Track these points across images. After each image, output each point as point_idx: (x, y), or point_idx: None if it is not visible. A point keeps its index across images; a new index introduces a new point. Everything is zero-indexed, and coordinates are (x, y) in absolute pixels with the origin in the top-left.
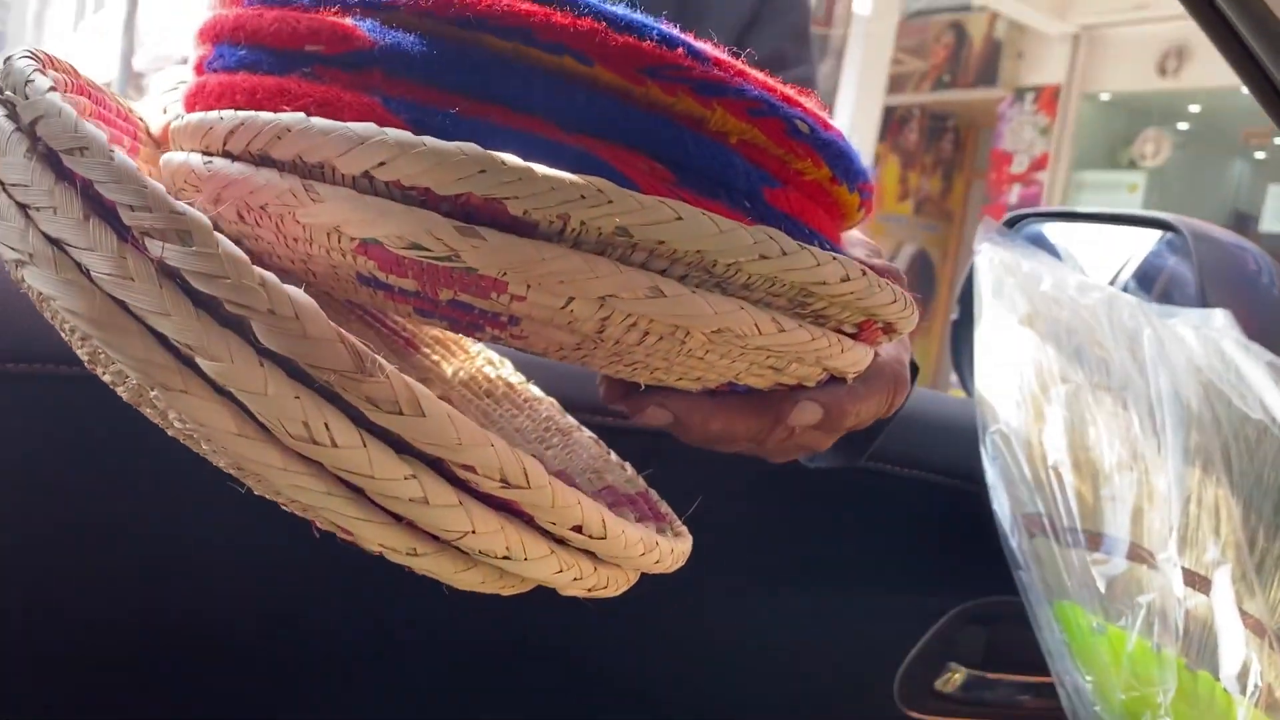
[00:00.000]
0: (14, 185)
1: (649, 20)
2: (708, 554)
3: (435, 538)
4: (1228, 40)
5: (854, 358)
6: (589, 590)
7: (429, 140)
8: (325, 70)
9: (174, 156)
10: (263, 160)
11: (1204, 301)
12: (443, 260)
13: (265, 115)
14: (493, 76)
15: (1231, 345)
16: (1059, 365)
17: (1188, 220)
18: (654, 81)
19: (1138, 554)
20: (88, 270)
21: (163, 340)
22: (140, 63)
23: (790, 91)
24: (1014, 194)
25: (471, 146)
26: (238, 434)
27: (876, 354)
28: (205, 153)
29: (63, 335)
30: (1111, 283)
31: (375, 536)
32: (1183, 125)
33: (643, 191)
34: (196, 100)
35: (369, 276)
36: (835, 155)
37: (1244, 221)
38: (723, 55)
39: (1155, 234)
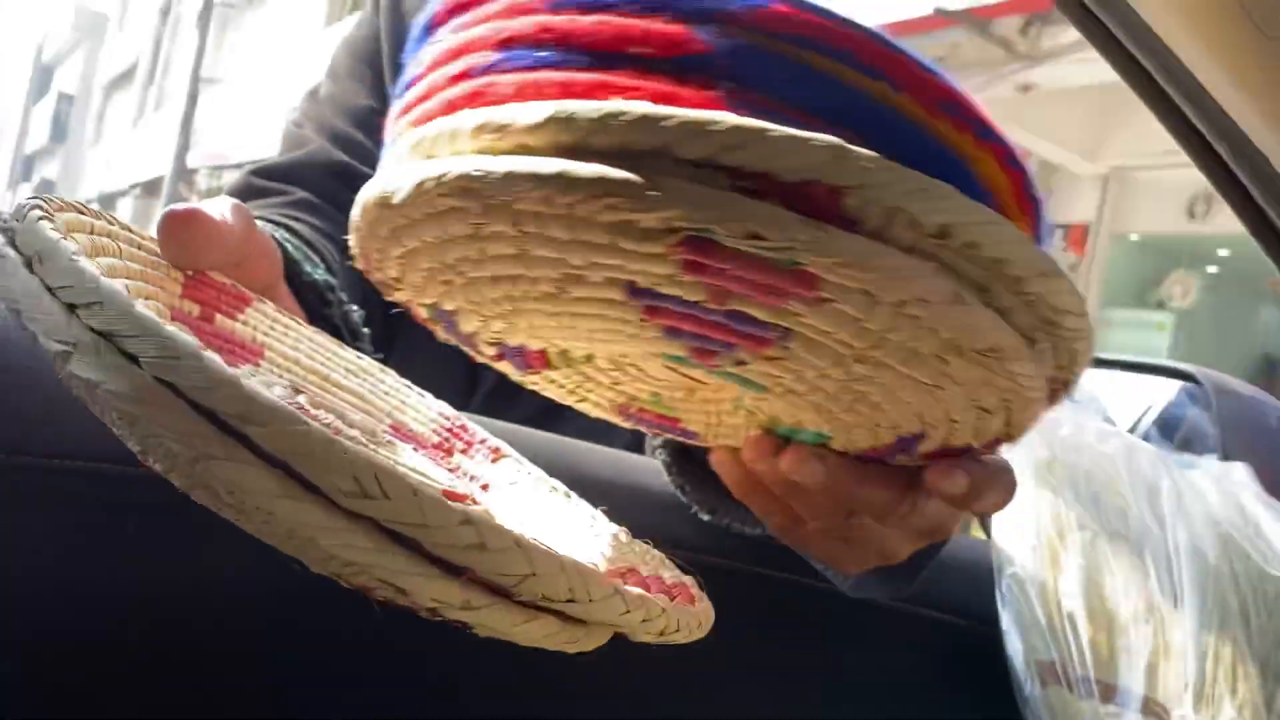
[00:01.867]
0: (60, 288)
1: (932, 64)
2: (701, 686)
3: (492, 589)
4: (1235, 193)
5: (1034, 414)
6: (660, 634)
7: (782, 127)
8: (653, 72)
9: (441, 164)
10: (581, 152)
11: (1225, 454)
12: (777, 251)
13: (584, 105)
14: (818, 92)
15: (1251, 500)
16: (1076, 512)
17: (1209, 373)
18: (948, 117)
19: (1152, 709)
20: (135, 356)
21: (207, 415)
22: (194, 160)
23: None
24: None
25: (826, 136)
26: (283, 495)
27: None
28: (491, 152)
29: (113, 427)
30: (1133, 429)
31: (429, 591)
32: (1211, 269)
33: None
34: (464, 105)
35: (648, 287)
36: (1040, 219)
37: (1273, 366)
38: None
39: (1177, 383)
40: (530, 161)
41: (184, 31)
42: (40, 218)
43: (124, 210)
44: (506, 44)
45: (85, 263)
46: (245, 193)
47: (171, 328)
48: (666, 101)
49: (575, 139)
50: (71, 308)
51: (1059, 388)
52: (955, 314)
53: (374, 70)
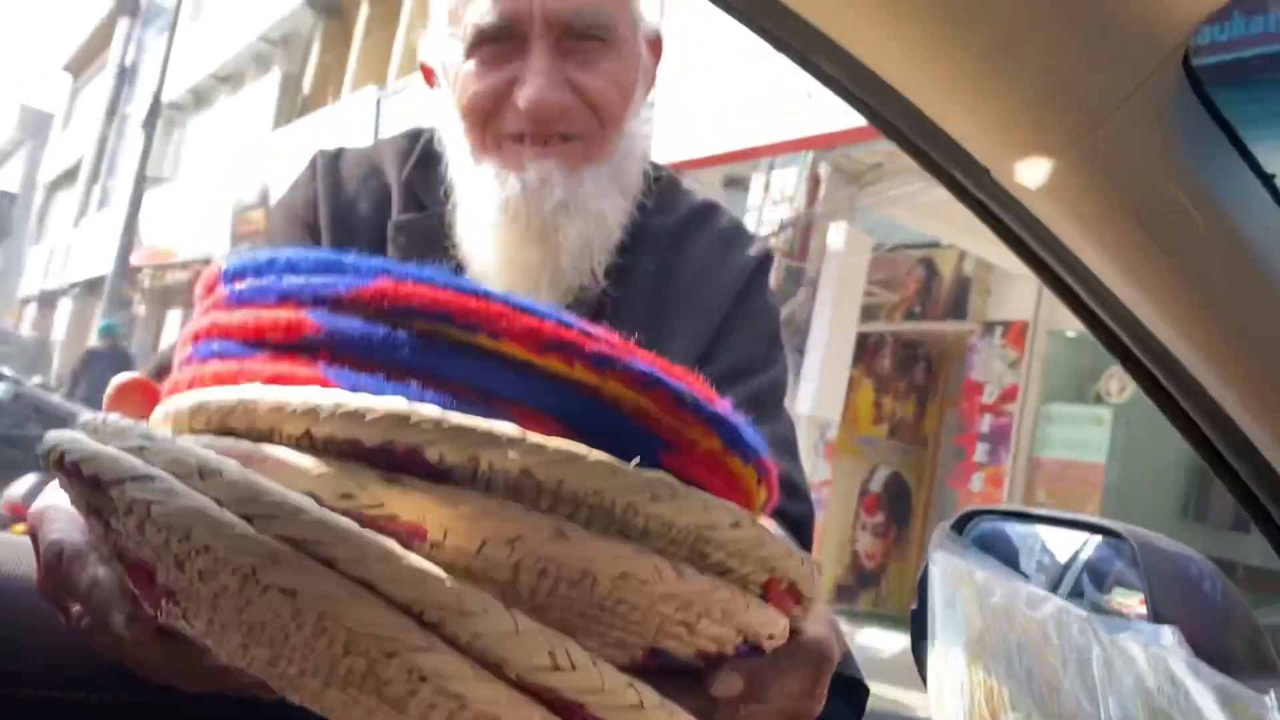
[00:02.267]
0: (241, 500)
1: (550, 308)
2: None
3: None
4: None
5: (764, 617)
6: None
7: (355, 397)
8: (281, 355)
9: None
10: (225, 431)
11: (1154, 613)
12: (371, 508)
13: (221, 391)
14: (417, 351)
15: (1180, 666)
16: (1009, 690)
17: (1135, 530)
18: (554, 354)
19: None
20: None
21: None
22: (137, 259)
23: (681, 370)
24: (985, 423)
25: (392, 399)
26: (476, 679)
27: (798, 631)
28: (191, 430)
29: (291, 638)
30: (1060, 579)
31: None
32: None
33: None
34: (176, 389)
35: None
36: (723, 427)
37: None
38: (617, 338)
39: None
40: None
41: (130, 131)
42: (168, 434)
43: (64, 309)
44: (193, 338)
45: (253, 474)
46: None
47: (358, 528)
48: (281, 381)
49: (213, 425)
50: (250, 519)
51: (785, 597)
52: (565, 548)
53: (311, 233)
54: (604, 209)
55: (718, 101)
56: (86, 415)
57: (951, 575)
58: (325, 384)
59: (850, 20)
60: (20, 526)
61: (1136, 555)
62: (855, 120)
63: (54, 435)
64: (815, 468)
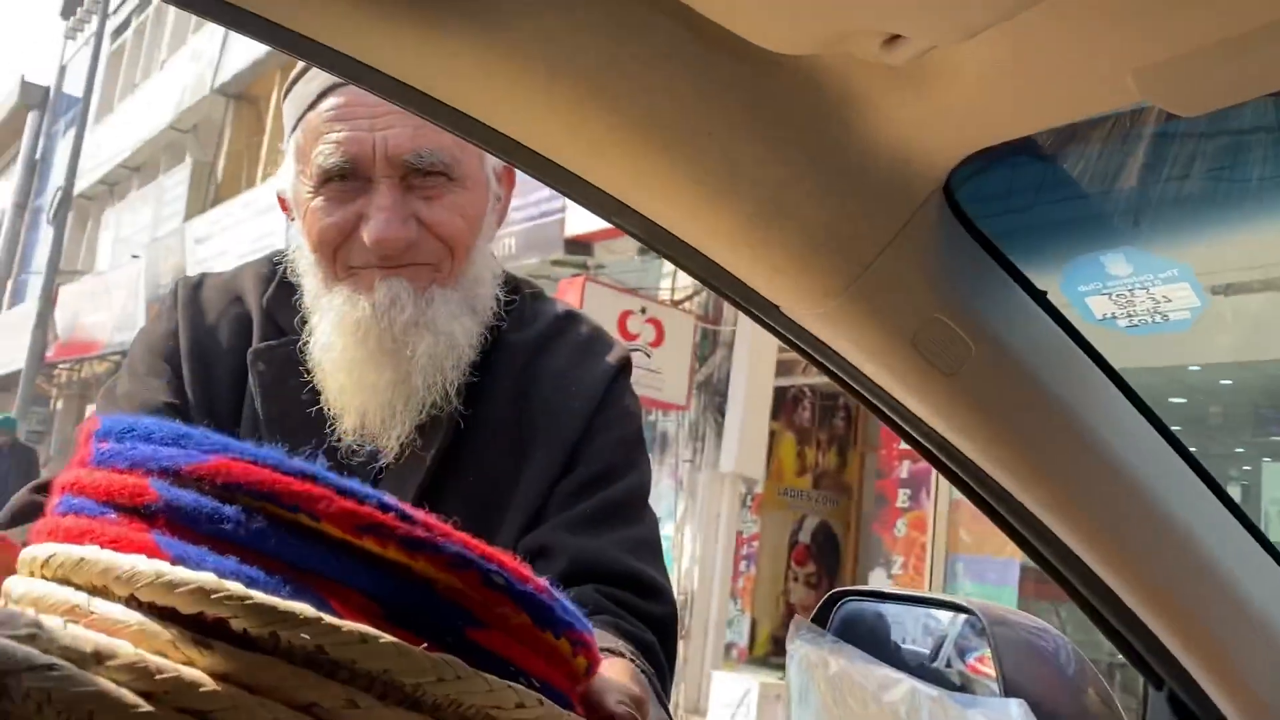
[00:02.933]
0: None
1: (372, 491)
2: None
3: None
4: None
5: None
6: None
7: (173, 569)
8: (126, 517)
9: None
10: (68, 583)
11: (1006, 687)
12: (185, 665)
13: (69, 547)
14: (241, 527)
15: None
16: None
17: (984, 605)
18: (369, 536)
19: None
20: None
21: None
22: (53, 353)
23: (494, 551)
24: (904, 469)
25: (203, 575)
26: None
27: None
28: (43, 578)
29: None
30: (934, 658)
31: None
32: None
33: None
34: (45, 535)
35: None
36: (532, 604)
37: None
38: (433, 520)
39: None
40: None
41: (42, 224)
42: (57, 621)
43: None
44: (60, 490)
45: (144, 653)
46: (28, 510)
47: (248, 697)
48: (119, 544)
49: (59, 576)
50: (148, 695)
51: None
52: (356, 716)
53: (172, 366)
54: (454, 329)
55: None
56: None
57: (807, 666)
58: (155, 551)
59: (634, 185)
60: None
61: (986, 629)
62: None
63: None
64: (744, 522)
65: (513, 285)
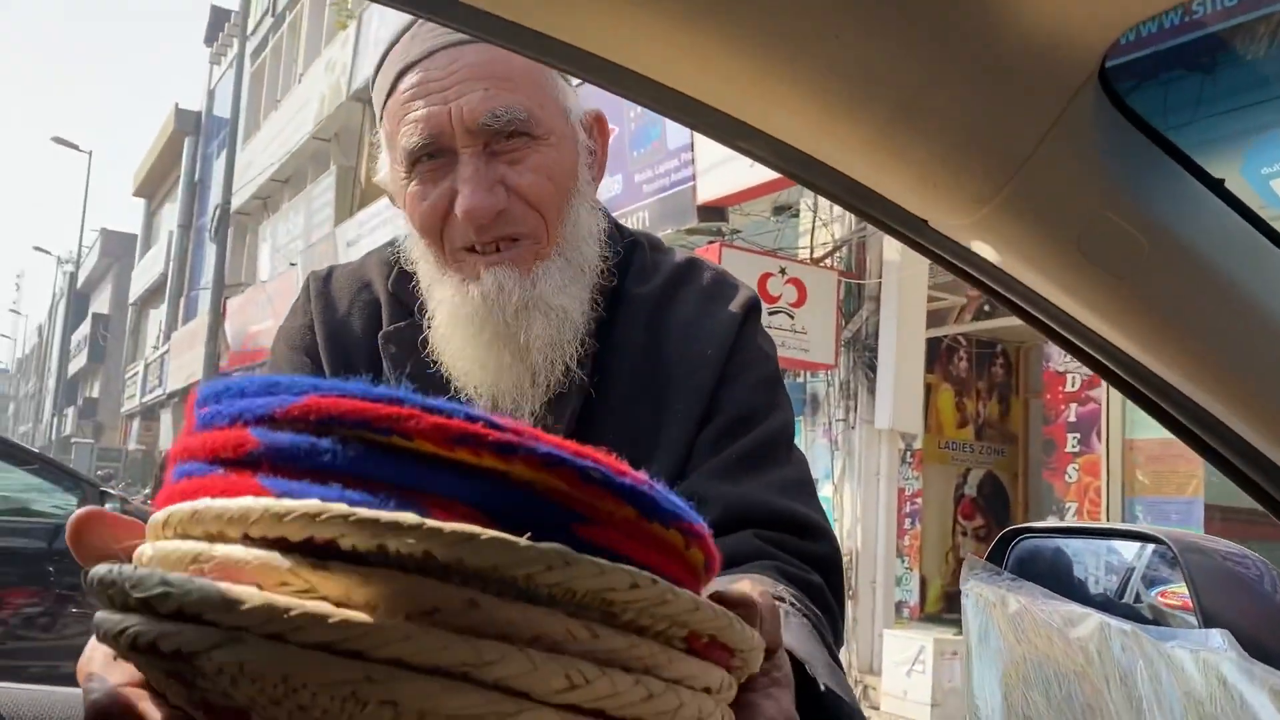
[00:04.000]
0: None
1: (458, 405)
2: None
3: None
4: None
5: (691, 669)
6: None
7: (280, 502)
8: (231, 469)
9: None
10: (185, 538)
11: (1203, 617)
12: (305, 592)
13: (182, 505)
14: (338, 456)
15: (1233, 670)
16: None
17: (1175, 533)
18: (462, 447)
19: None
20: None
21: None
22: (226, 362)
23: (588, 449)
24: (1072, 412)
25: (311, 502)
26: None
27: (760, 707)
28: (165, 538)
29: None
30: (1121, 593)
31: None
32: None
33: None
34: (162, 504)
35: None
36: (635, 496)
37: None
38: (522, 426)
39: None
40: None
41: (206, 242)
42: (183, 574)
43: (165, 420)
44: (172, 460)
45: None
46: None
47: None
48: (228, 492)
49: (177, 534)
50: (328, 647)
51: (719, 651)
52: (479, 616)
53: (311, 358)
54: (564, 303)
55: None
56: (98, 572)
57: (984, 605)
58: (261, 492)
59: (758, 103)
60: None
61: (1179, 559)
62: None
63: (107, 618)
64: (905, 479)
65: (628, 239)
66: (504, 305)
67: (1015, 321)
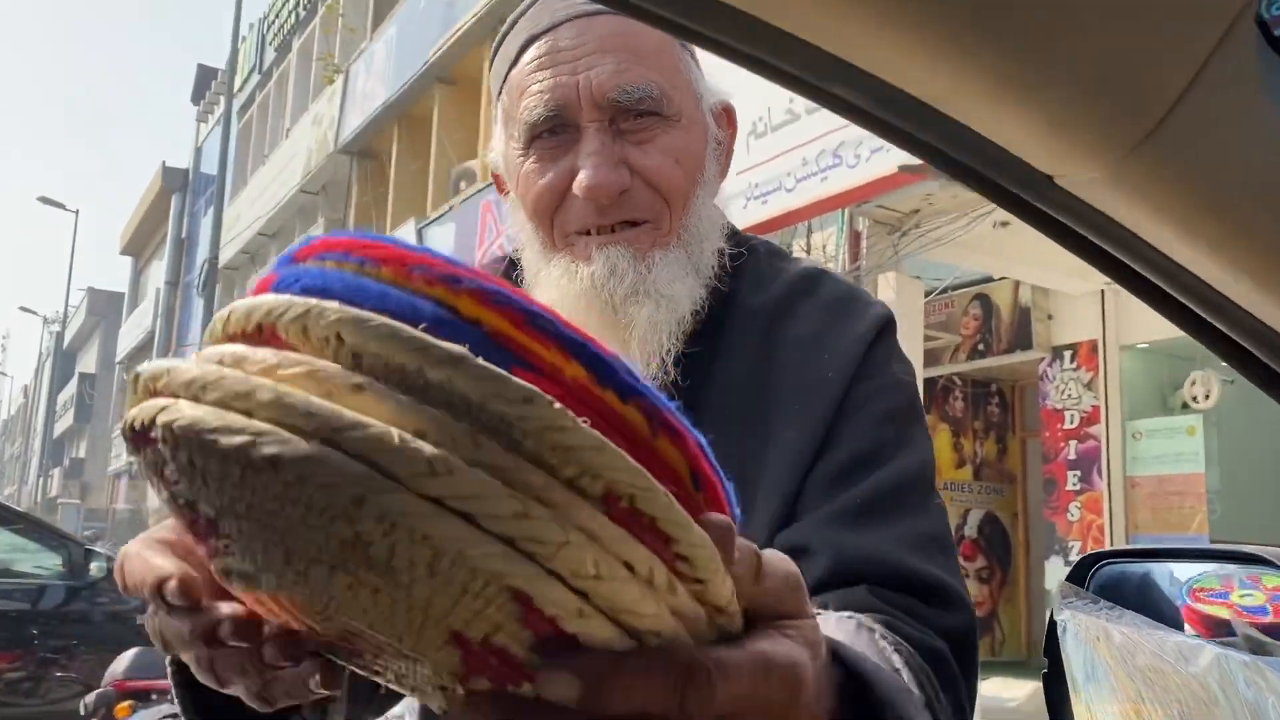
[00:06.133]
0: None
1: (423, 249)
2: None
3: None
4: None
5: (587, 518)
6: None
7: (321, 302)
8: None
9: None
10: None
11: None
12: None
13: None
14: (327, 278)
15: None
16: None
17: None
18: (418, 274)
19: None
20: None
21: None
22: None
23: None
24: (1071, 449)
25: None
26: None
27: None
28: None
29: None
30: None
31: (548, 593)
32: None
33: None
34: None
35: None
36: (584, 353)
37: None
38: (478, 269)
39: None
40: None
41: (194, 298)
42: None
43: None
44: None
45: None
46: None
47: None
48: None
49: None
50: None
51: (619, 507)
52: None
53: None
54: (676, 292)
55: (743, 172)
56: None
57: (1084, 636)
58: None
59: (859, 33)
60: (125, 705)
61: None
62: (883, 169)
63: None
64: None
65: (745, 242)
66: (614, 289)
67: (1010, 359)
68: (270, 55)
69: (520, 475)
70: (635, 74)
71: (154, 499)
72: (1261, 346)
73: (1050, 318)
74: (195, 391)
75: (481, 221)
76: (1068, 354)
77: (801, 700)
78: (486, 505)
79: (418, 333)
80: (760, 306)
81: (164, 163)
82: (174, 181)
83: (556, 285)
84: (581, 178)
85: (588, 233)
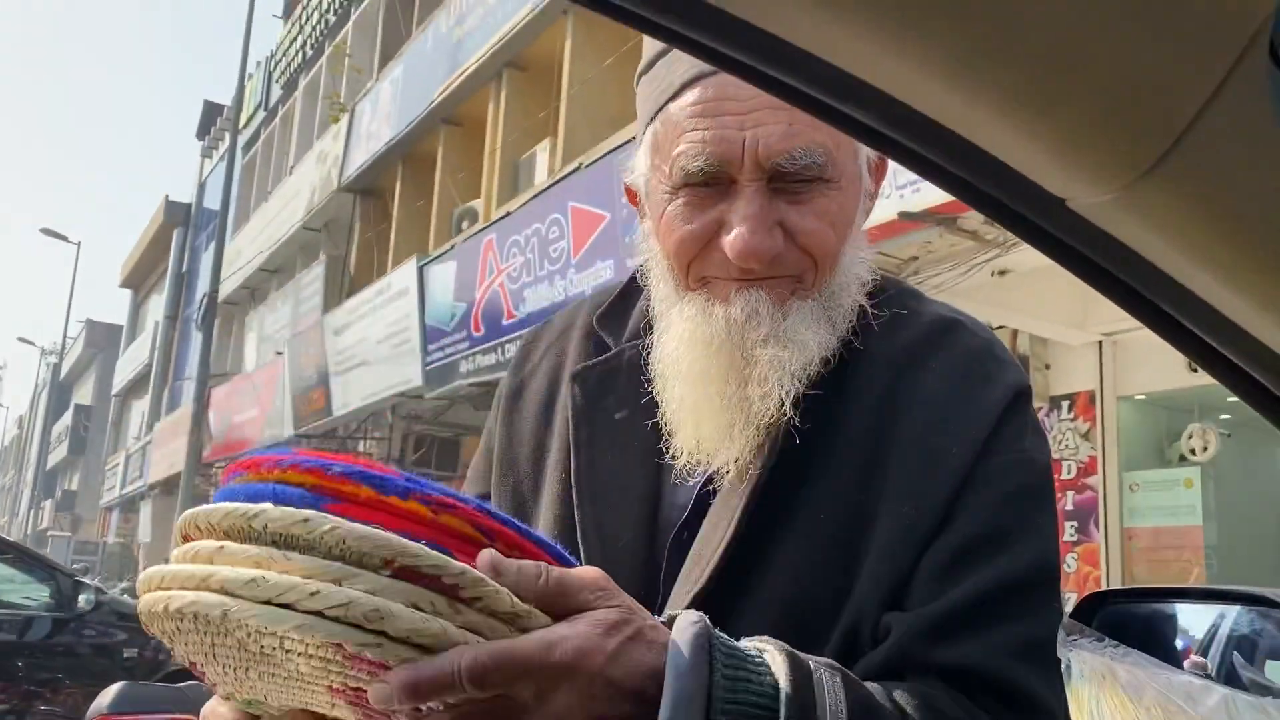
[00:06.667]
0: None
1: (288, 452)
2: None
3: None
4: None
5: (376, 583)
6: None
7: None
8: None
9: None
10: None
11: None
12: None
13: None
14: (237, 492)
15: None
16: None
17: None
18: (265, 469)
19: None
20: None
21: None
22: (209, 453)
23: (347, 456)
24: (1069, 500)
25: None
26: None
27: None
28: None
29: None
30: (1206, 652)
31: (352, 638)
32: (1225, 416)
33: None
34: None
35: None
36: (366, 477)
37: None
38: (308, 452)
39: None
40: None
41: (192, 333)
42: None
43: (145, 511)
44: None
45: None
46: None
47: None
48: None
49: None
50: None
51: (394, 565)
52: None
53: (496, 428)
54: (806, 338)
55: None
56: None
57: (1090, 674)
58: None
59: (873, 50)
60: None
61: None
62: (882, 216)
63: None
64: None
65: (883, 286)
66: (748, 334)
67: None
68: (276, 93)
69: (318, 567)
70: (805, 138)
71: (144, 533)
72: (1274, 378)
73: (1048, 367)
74: (159, 583)
75: (482, 259)
76: (1065, 404)
77: (584, 667)
78: (292, 595)
79: (255, 506)
80: (890, 354)
81: (167, 197)
82: (176, 216)
83: (691, 322)
84: (734, 240)
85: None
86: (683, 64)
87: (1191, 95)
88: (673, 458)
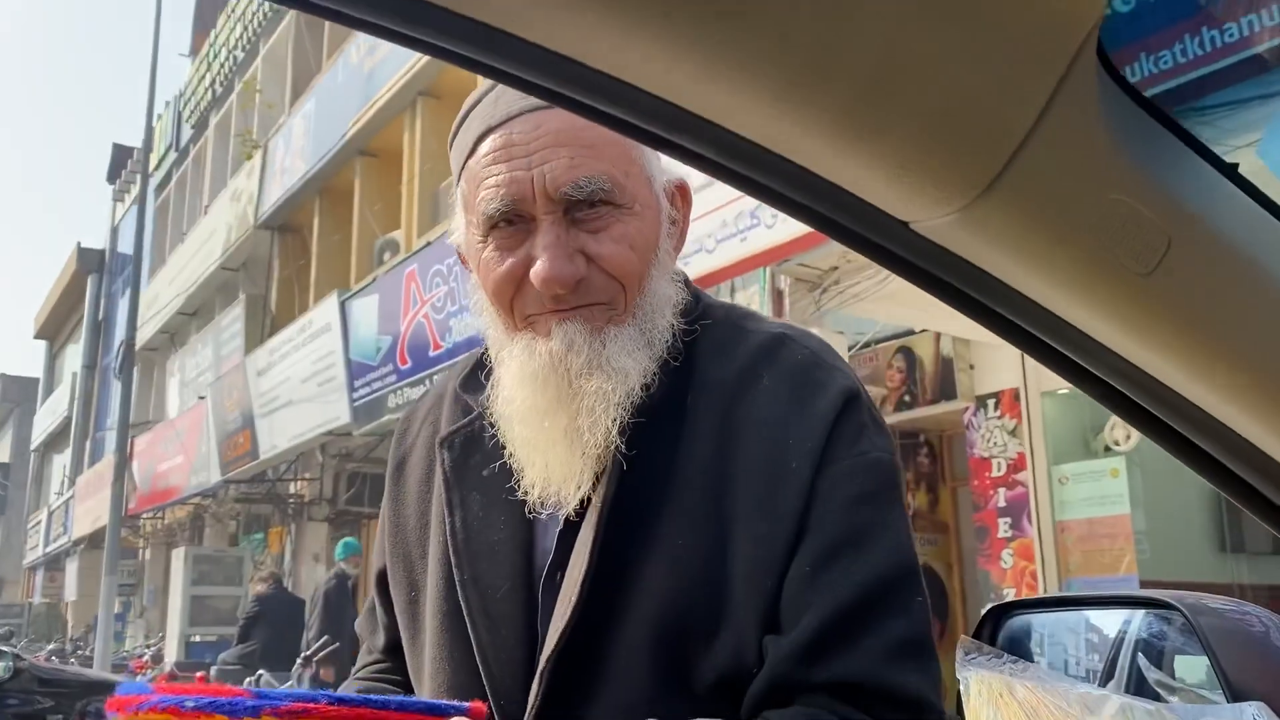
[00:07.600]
0: None
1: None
2: None
3: None
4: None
5: None
6: None
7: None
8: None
9: None
10: None
11: (1229, 687)
12: None
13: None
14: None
15: None
16: None
17: (1183, 596)
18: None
19: None
20: None
21: None
22: (134, 505)
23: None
24: (1001, 497)
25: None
26: None
27: None
28: None
29: None
30: (1113, 662)
31: None
32: None
33: None
34: None
35: None
36: (212, 708)
37: None
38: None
39: (1140, 610)
40: None
41: (112, 381)
42: None
43: (71, 568)
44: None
45: None
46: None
47: None
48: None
49: None
50: None
51: None
52: None
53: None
54: (627, 365)
55: None
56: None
57: (988, 694)
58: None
59: (696, 80)
60: None
61: (1192, 623)
62: (800, 228)
63: None
64: None
65: (708, 311)
66: (571, 363)
67: (935, 410)
68: (187, 132)
69: None
70: (587, 168)
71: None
72: (1117, 377)
73: (972, 367)
74: None
75: (405, 291)
76: (991, 402)
77: None
78: None
79: None
80: (723, 377)
81: (79, 244)
82: (90, 262)
83: (518, 361)
84: (538, 269)
85: (545, 312)
86: (476, 121)
87: (1023, 110)
88: (524, 494)
